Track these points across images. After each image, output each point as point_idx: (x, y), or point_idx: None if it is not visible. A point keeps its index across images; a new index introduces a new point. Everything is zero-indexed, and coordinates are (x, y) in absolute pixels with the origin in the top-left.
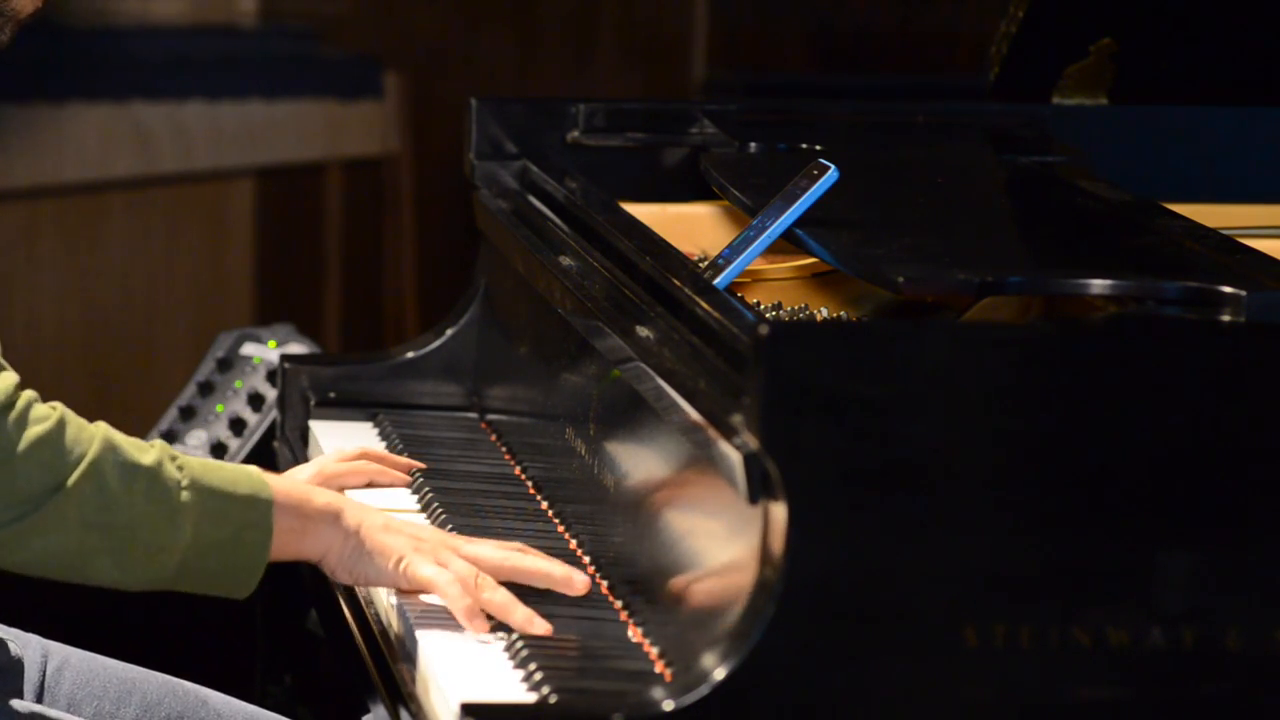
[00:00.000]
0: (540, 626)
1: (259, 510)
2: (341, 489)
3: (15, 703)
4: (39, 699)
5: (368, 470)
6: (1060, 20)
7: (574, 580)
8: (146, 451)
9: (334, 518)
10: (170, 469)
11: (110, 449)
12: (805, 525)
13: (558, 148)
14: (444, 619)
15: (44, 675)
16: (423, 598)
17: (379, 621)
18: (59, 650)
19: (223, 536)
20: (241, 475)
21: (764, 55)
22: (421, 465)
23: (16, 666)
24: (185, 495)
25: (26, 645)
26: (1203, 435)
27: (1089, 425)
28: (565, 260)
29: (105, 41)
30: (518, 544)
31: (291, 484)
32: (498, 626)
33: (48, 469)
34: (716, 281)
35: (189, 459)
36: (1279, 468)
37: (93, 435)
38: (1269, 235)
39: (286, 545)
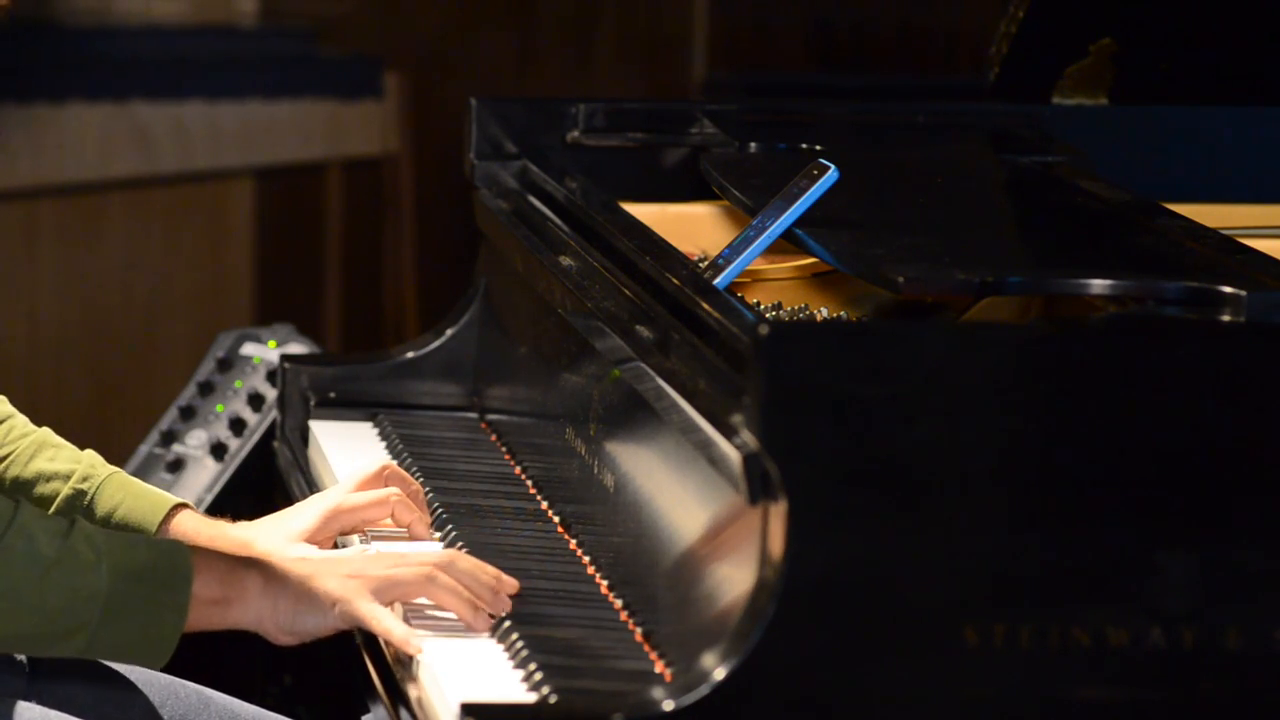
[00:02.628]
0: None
1: (177, 585)
2: (354, 525)
3: (17, 704)
4: (40, 700)
5: (387, 504)
6: (1060, 20)
7: (501, 593)
8: (58, 536)
9: (260, 584)
10: (85, 554)
11: (22, 535)
12: (805, 525)
13: (558, 148)
14: (444, 620)
15: (44, 677)
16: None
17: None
18: None
19: (136, 620)
20: (162, 555)
21: (764, 55)
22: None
23: (16, 667)
24: (97, 580)
25: None
26: (1202, 435)
27: (1089, 425)
28: (565, 260)
29: (105, 41)
30: (449, 556)
31: (212, 558)
32: (498, 626)
33: None
34: (716, 281)
35: (111, 536)
36: (1279, 468)
37: (6, 519)
38: (1269, 235)
39: (211, 618)
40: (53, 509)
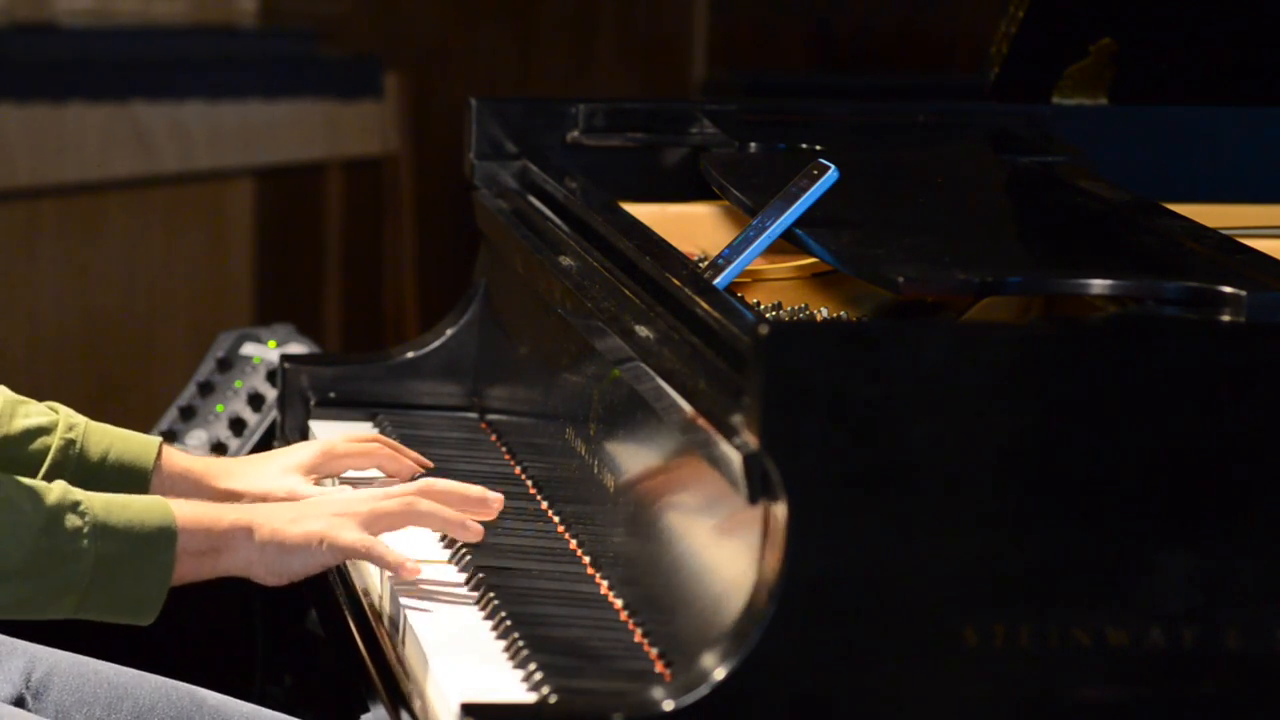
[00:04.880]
0: (475, 531)
1: (162, 544)
2: (344, 469)
3: (1, 707)
4: (24, 706)
5: (377, 454)
6: (1060, 20)
7: (488, 499)
8: (44, 496)
9: (246, 532)
10: (70, 520)
11: (7, 507)
12: (805, 525)
13: (558, 148)
14: (444, 620)
15: (29, 682)
16: (424, 598)
17: (379, 621)
18: (46, 656)
19: (125, 579)
20: (149, 511)
21: (764, 55)
22: (430, 464)
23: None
24: (85, 543)
25: (11, 652)
26: (1202, 435)
27: (1088, 425)
28: (565, 260)
29: (105, 41)
30: (425, 482)
31: (198, 509)
32: (497, 625)
33: None
34: (716, 281)
35: (93, 498)
36: (1279, 467)
37: None
38: (1269, 235)
39: (200, 568)
40: (48, 462)
